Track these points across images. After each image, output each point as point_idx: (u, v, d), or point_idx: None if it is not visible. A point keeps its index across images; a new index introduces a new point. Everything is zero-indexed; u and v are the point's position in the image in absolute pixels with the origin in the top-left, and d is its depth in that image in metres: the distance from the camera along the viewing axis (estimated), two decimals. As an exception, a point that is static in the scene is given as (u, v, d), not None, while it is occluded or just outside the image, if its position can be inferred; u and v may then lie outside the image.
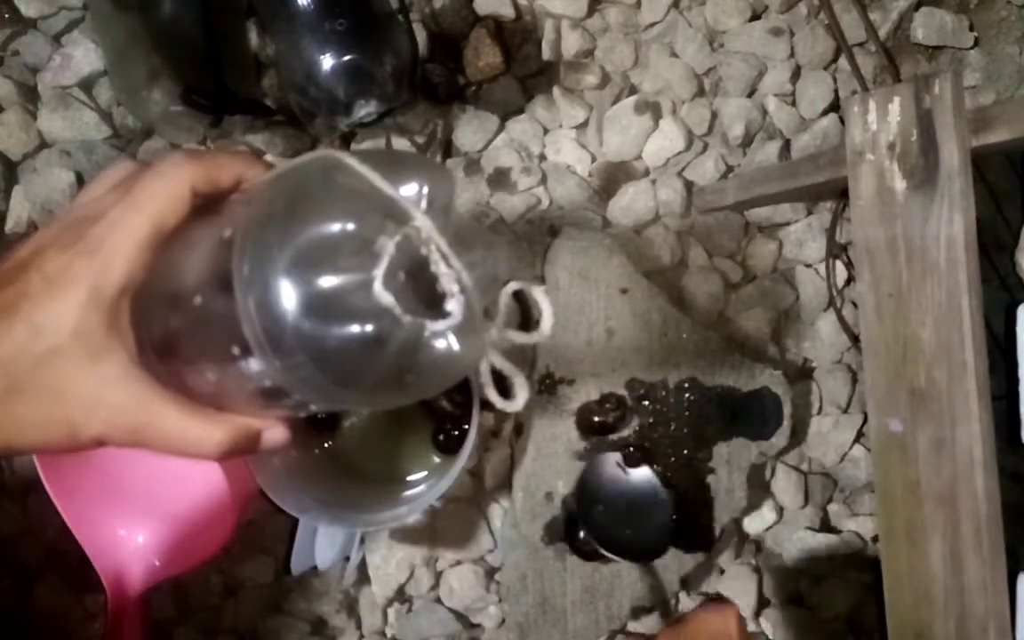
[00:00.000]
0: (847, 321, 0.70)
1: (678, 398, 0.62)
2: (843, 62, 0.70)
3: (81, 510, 0.58)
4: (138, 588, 0.59)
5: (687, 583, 0.67)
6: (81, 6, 0.63)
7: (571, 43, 0.68)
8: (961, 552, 0.53)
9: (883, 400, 0.55)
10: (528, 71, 0.68)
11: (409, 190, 0.27)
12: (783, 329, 0.71)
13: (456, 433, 0.59)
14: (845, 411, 0.71)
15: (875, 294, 0.55)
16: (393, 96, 0.58)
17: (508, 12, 0.67)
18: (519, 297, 0.30)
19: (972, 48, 0.72)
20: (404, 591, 0.67)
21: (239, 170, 0.31)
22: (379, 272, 0.24)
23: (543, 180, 0.68)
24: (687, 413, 0.62)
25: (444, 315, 0.26)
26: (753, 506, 0.69)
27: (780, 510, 0.70)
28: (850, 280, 0.70)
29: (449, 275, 0.26)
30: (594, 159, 0.69)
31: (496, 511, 0.67)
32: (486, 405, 0.61)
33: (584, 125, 0.69)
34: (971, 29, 0.72)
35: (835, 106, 0.70)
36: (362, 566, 0.67)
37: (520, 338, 0.29)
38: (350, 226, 0.25)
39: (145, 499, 0.60)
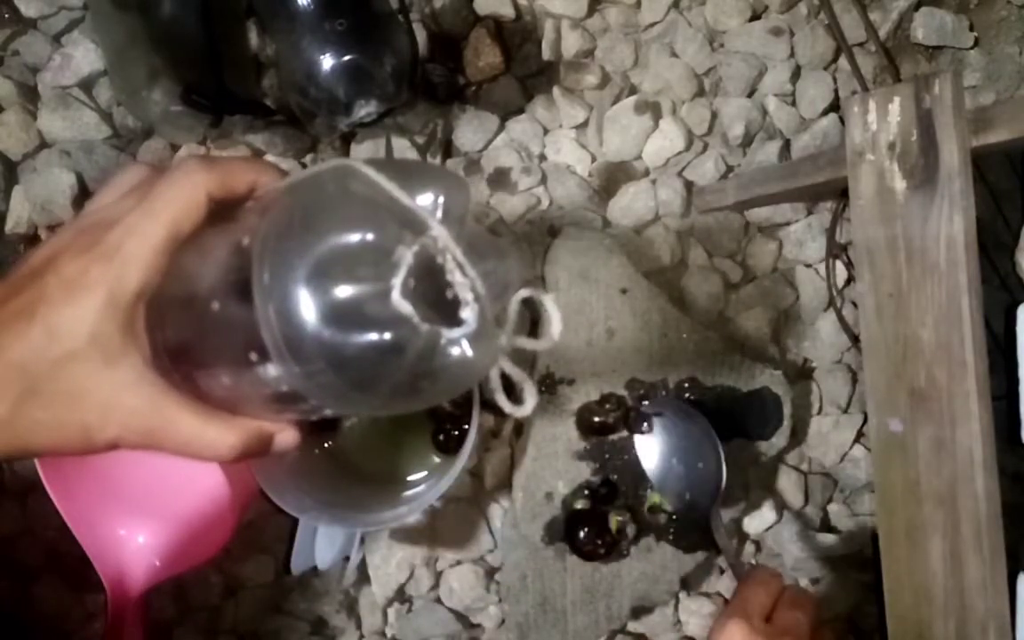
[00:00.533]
0: (847, 321, 0.70)
1: (678, 398, 0.62)
2: (843, 62, 0.70)
3: (81, 510, 0.58)
4: (138, 588, 0.59)
5: (687, 583, 0.67)
6: (81, 6, 0.63)
7: (571, 43, 0.68)
8: (961, 552, 0.53)
9: (883, 400, 0.55)
10: (528, 71, 0.68)
11: (425, 200, 0.27)
12: (783, 329, 0.71)
13: (456, 433, 0.59)
14: (845, 411, 0.71)
15: (875, 294, 0.55)
16: (393, 96, 0.58)
17: (508, 12, 0.67)
18: (526, 303, 0.30)
19: (972, 48, 0.72)
20: (404, 591, 0.67)
21: (253, 177, 0.31)
22: (398, 281, 0.25)
23: (543, 180, 0.68)
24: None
25: (459, 323, 0.26)
26: (753, 506, 0.69)
27: (780, 510, 0.70)
28: (850, 280, 0.70)
29: (464, 284, 0.26)
30: (594, 159, 0.69)
31: (496, 511, 0.67)
32: (487, 406, 0.62)
33: (584, 125, 0.69)
34: (971, 29, 0.72)
35: (835, 106, 0.70)
36: (362, 566, 0.67)
37: (530, 345, 0.30)
38: (369, 235, 0.26)
39: (146, 499, 0.60)
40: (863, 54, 0.71)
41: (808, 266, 0.71)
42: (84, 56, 0.63)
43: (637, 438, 0.61)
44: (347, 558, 0.66)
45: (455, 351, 0.27)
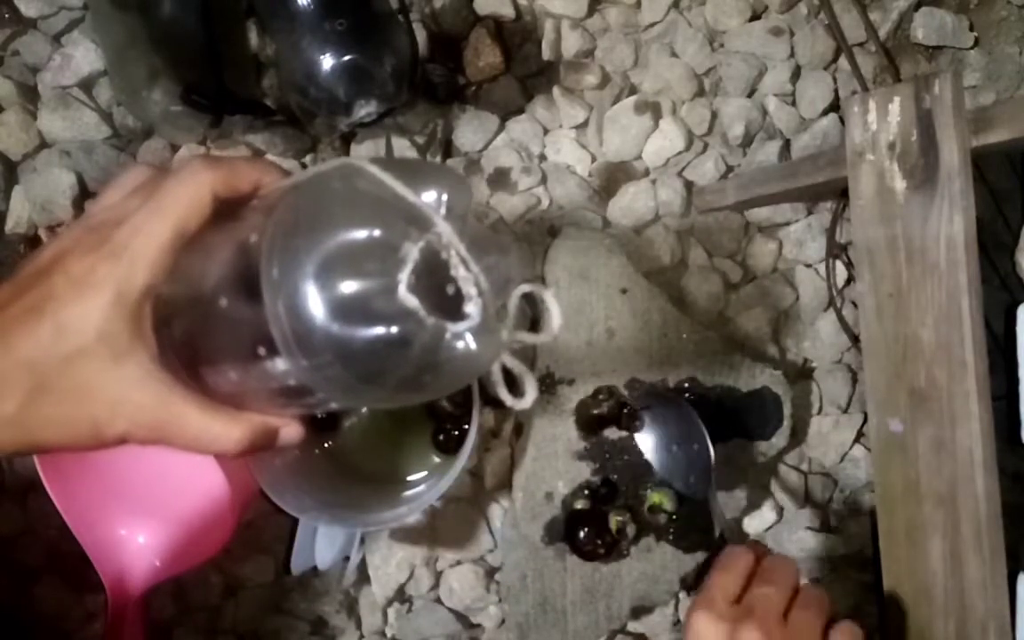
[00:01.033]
0: (847, 321, 0.70)
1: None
2: (843, 62, 0.70)
3: (81, 510, 0.58)
4: (139, 588, 0.59)
5: (687, 583, 0.67)
6: (81, 6, 0.63)
7: (571, 43, 0.68)
8: (961, 552, 0.53)
9: (883, 400, 0.55)
10: (528, 71, 0.68)
11: (428, 197, 0.28)
12: (783, 329, 0.71)
13: (456, 433, 0.59)
14: (845, 411, 0.71)
15: (875, 294, 0.55)
16: (393, 96, 0.58)
17: (508, 12, 0.67)
18: (527, 298, 0.31)
19: (972, 48, 0.72)
20: (404, 591, 0.67)
21: (257, 176, 0.32)
22: (404, 276, 0.26)
23: (543, 180, 0.68)
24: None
25: (463, 317, 0.27)
26: (753, 506, 0.69)
27: (780, 510, 0.70)
28: (850, 280, 0.70)
29: (468, 278, 0.27)
30: (594, 159, 0.69)
31: (496, 511, 0.67)
32: (489, 403, 0.61)
33: (584, 125, 0.69)
34: (971, 29, 0.72)
35: (835, 106, 0.70)
36: (362, 566, 0.67)
37: (530, 339, 0.31)
38: (376, 232, 0.26)
39: (146, 499, 0.60)
40: (863, 54, 0.71)
41: (808, 266, 0.71)
42: (84, 56, 0.63)
43: (638, 437, 0.61)
44: (347, 558, 0.66)
45: (459, 345, 0.27)
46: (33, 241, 0.65)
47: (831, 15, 0.69)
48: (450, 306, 0.27)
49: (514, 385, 0.30)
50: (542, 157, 0.69)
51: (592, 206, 0.68)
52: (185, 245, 0.30)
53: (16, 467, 0.65)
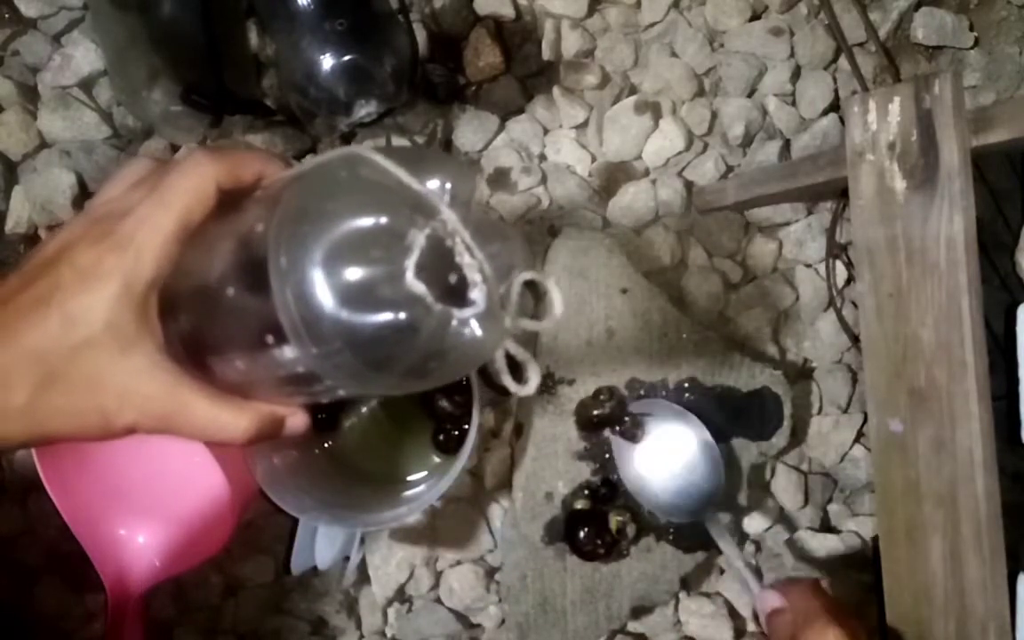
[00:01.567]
0: (847, 321, 0.70)
1: (678, 398, 0.62)
2: (843, 62, 0.70)
3: (81, 510, 0.58)
4: (139, 588, 0.59)
5: (687, 583, 0.67)
6: (81, 6, 0.63)
7: (571, 43, 0.68)
8: (961, 552, 0.53)
9: (883, 400, 0.55)
10: (528, 71, 0.68)
11: (432, 185, 0.28)
12: (783, 329, 0.71)
13: (456, 433, 0.59)
14: (845, 411, 0.71)
15: (875, 294, 0.55)
16: (393, 96, 0.58)
17: (508, 12, 0.67)
18: (528, 287, 0.31)
19: (972, 48, 0.72)
20: (404, 591, 0.67)
21: (260, 167, 0.32)
22: (410, 263, 0.26)
23: (543, 180, 0.68)
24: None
25: (468, 303, 0.27)
26: (753, 506, 0.69)
27: (780, 510, 0.70)
28: (850, 280, 0.70)
29: (473, 265, 0.27)
30: (594, 159, 0.69)
31: (496, 511, 0.67)
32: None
33: (584, 125, 0.69)
34: (971, 29, 0.72)
35: (835, 106, 0.70)
36: (362, 566, 0.67)
37: (532, 325, 0.31)
38: (383, 219, 0.27)
39: (146, 499, 0.60)
40: (863, 54, 0.71)
41: (808, 266, 0.71)
42: (84, 56, 0.63)
43: (636, 455, 0.60)
44: (347, 558, 0.66)
45: (465, 331, 0.28)
46: (33, 241, 0.65)
47: (831, 15, 0.69)
48: (454, 293, 0.27)
49: (517, 371, 0.30)
50: (542, 157, 0.69)
51: (592, 206, 0.68)
52: (190, 236, 0.30)
53: (16, 467, 0.65)
